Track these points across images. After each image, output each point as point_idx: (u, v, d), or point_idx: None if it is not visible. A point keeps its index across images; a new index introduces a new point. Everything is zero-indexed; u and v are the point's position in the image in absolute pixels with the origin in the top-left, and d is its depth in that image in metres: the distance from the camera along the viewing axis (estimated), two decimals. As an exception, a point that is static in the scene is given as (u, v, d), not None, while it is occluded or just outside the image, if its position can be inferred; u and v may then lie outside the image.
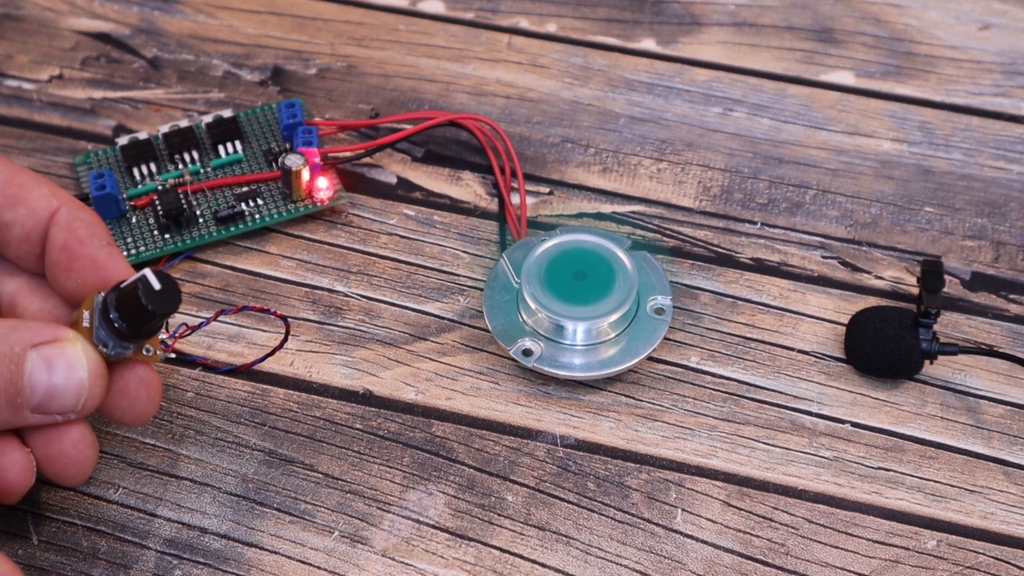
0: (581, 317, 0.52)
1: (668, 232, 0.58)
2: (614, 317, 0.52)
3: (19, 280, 0.48)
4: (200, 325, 0.48)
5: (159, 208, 0.56)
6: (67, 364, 0.43)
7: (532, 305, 0.52)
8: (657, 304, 0.54)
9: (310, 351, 0.54)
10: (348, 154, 0.59)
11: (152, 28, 0.64)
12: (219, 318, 0.49)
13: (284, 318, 0.50)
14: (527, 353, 0.52)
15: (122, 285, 0.44)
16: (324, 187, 0.57)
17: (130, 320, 0.43)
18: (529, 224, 0.58)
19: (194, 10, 0.65)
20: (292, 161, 0.56)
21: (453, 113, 0.60)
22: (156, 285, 0.43)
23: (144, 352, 0.45)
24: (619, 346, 0.53)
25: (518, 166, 0.58)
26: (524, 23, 0.65)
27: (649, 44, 0.64)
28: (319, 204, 0.57)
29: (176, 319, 0.51)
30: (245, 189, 0.58)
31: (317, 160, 0.57)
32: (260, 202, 0.57)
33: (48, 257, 0.46)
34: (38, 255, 0.47)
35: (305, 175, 0.56)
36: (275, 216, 0.57)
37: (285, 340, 0.51)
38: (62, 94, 0.62)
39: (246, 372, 0.53)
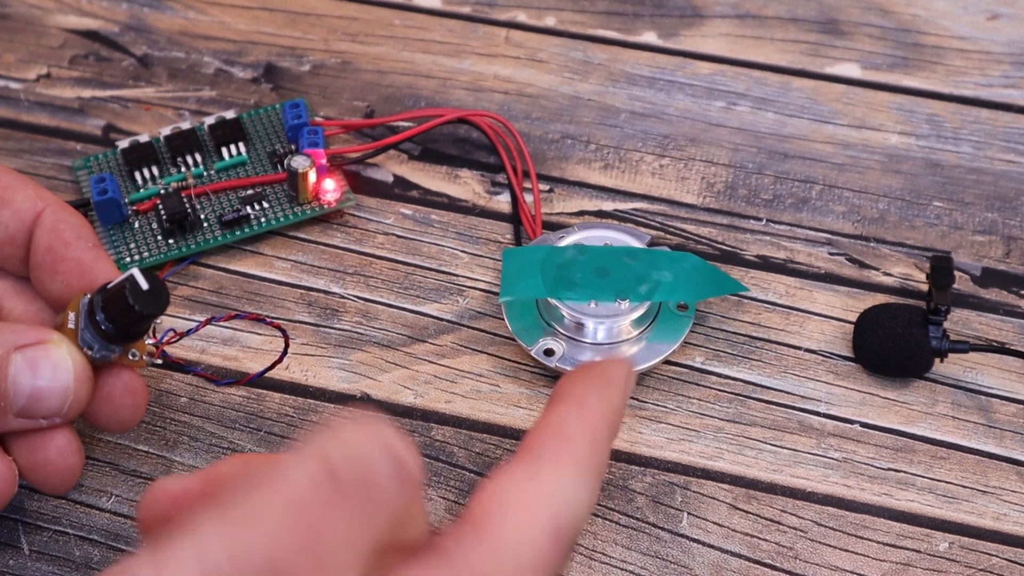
0: (603, 315, 0.51)
1: (671, 230, 0.57)
2: (636, 315, 0.51)
3: (3, 283, 0.48)
4: (188, 332, 0.47)
5: (162, 212, 0.55)
6: (52, 366, 0.43)
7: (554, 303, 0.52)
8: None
9: (306, 354, 0.53)
10: (356, 155, 0.58)
11: (141, 25, 0.63)
12: (210, 323, 0.48)
13: (283, 331, 0.49)
14: (548, 353, 0.51)
15: (109, 285, 0.43)
16: (331, 189, 0.56)
17: (117, 321, 0.43)
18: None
19: (184, 6, 0.64)
20: (298, 163, 0.55)
21: (462, 110, 0.59)
22: (144, 285, 0.42)
23: (130, 357, 0.45)
24: (641, 344, 0.52)
25: (531, 163, 0.57)
26: (522, 17, 0.64)
27: (650, 37, 0.64)
28: (326, 206, 0.56)
29: (165, 323, 0.50)
30: (250, 192, 0.56)
31: (323, 161, 0.56)
32: (266, 205, 0.56)
33: (33, 259, 0.46)
34: (22, 258, 0.46)
35: (312, 177, 0.55)
36: (281, 219, 0.56)
37: (284, 354, 0.49)
38: (50, 93, 0.61)
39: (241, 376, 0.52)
